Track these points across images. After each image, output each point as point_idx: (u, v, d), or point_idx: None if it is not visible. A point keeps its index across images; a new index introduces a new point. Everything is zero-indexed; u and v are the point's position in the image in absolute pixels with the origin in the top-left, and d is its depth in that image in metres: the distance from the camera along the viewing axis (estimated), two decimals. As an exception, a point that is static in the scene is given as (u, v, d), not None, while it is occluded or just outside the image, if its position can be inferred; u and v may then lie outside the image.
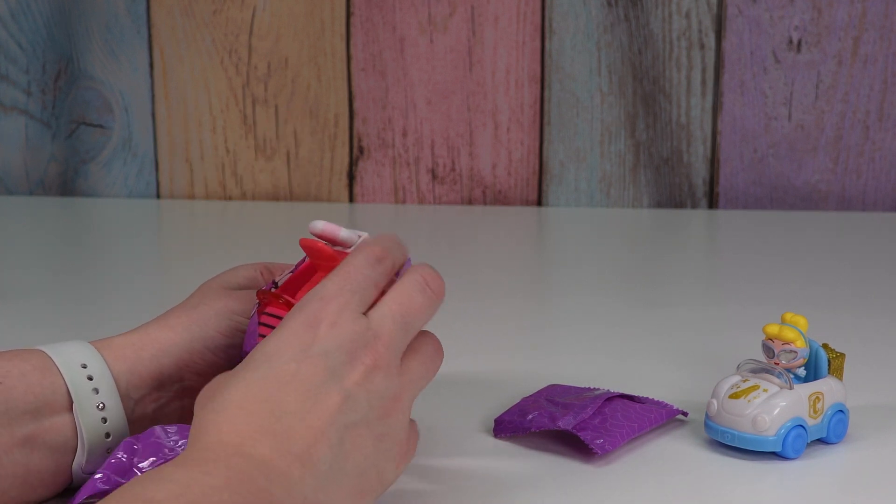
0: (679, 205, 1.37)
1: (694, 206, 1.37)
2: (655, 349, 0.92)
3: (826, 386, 0.74)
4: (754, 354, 0.79)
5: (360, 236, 0.67)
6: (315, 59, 1.36)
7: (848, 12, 1.32)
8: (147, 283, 1.11)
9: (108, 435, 0.66)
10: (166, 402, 0.69)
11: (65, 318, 1.00)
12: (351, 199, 1.39)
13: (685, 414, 0.78)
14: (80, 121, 1.39)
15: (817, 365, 0.74)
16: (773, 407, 0.71)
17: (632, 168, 1.37)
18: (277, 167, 1.39)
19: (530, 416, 0.74)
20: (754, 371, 0.74)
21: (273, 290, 0.67)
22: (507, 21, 1.34)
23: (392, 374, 0.62)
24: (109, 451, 0.66)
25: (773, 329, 0.73)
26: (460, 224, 1.31)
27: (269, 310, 0.67)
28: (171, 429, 0.65)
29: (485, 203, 1.38)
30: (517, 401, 0.78)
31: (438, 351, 0.66)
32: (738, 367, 0.75)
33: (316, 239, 0.67)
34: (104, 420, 0.66)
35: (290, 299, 0.66)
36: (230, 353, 0.71)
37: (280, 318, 0.65)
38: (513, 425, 0.75)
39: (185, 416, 0.69)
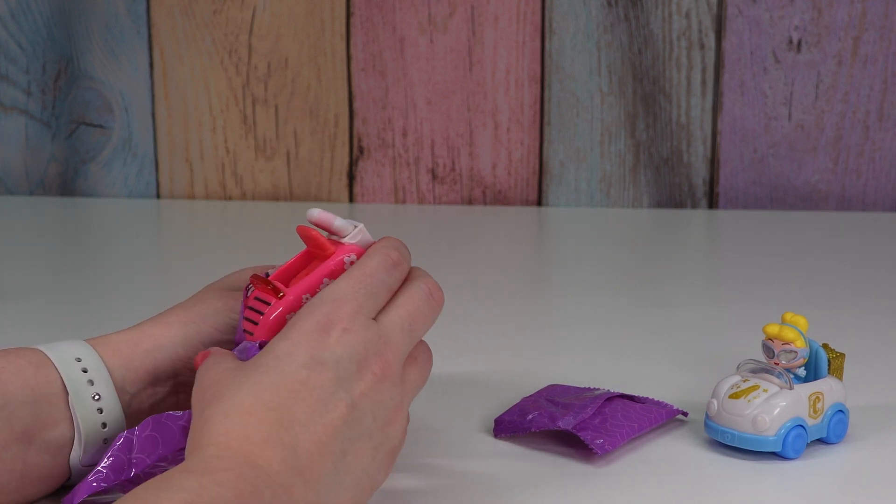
0: (679, 205, 1.37)
1: (694, 206, 1.37)
2: (655, 349, 0.92)
3: (826, 386, 0.74)
4: (754, 354, 0.79)
5: (355, 226, 0.67)
6: (315, 59, 1.36)
7: (848, 12, 1.32)
8: (147, 283, 1.11)
9: (104, 426, 0.66)
10: (163, 398, 0.69)
11: (65, 318, 1.00)
12: (351, 199, 1.39)
13: (685, 414, 0.78)
14: (80, 121, 1.39)
15: (817, 365, 0.74)
16: (773, 407, 0.71)
17: (632, 168, 1.37)
18: (277, 167, 1.39)
19: (530, 416, 0.74)
20: (754, 371, 0.74)
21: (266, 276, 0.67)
22: (507, 21, 1.34)
23: (396, 384, 0.62)
24: (107, 441, 0.66)
25: (773, 329, 0.73)
26: (460, 224, 1.31)
27: (257, 294, 0.66)
28: (176, 414, 0.65)
29: (485, 203, 1.38)
30: (517, 401, 0.78)
31: (430, 358, 0.66)
32: (738, 367, 0.75)
33: (311, 227, 0.67)
34: (100, 411, 0.66)
35: (279, 286, 0.66)
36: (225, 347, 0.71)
37: (267, 303, 0.65)
38: (513, 425, 0.75)
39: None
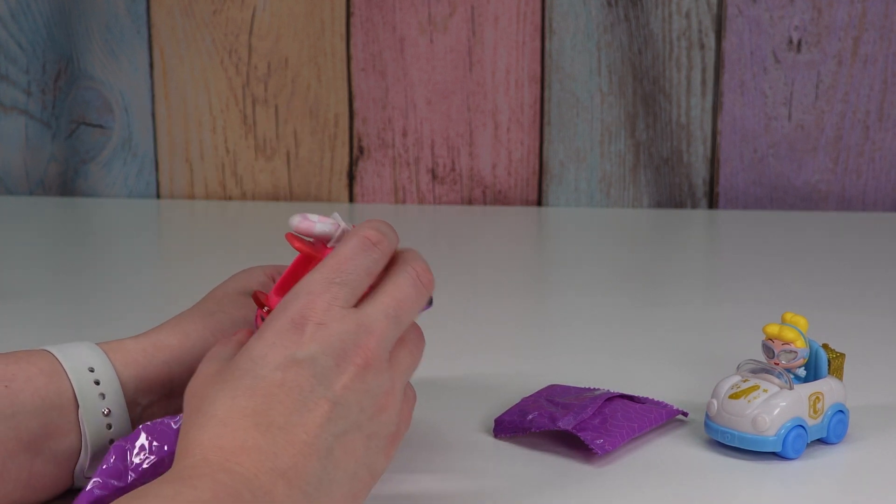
0: (679, 205, 1.37)
1: (694, 206, 1.37)
2: (655, 349, 0.92)
3: (826, 386, 0.74)
4: (754, 354, 0.79)
5: (339, 227, 0.64)
6: (315, 59, 1.36)
7: (848, 12, 1.32)
8: (147, 283, 1.11)
9: (111, 441, 0.65)
10: (176, 410, 0.68)
11: (65, 318, 1.00)
12: (351, 199, 1.39)
13: (685, 414, 0.78)
14: (80, 121, 1.39)
15: (817, 365, 0.74)
16: (773, 407, 0.71)
17: (632, 168, 1.37)
18: (277, 167, 1.39)
19: (530, 417, 0.74)
20: (754, 371, 0.74)
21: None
22: (507, 21, 1.34)
23: (383, 370, 0.60)
24: None
25: (773, 329, 0.73)
26: (460, 224, 1.31)
27: (261, 314, 0.65)
28: (173, 419, 0.65)
29: (485, 203, 1.38)
30: (517, 401, 0.78)
31: (421, 336, 0.64)
32: (738, 368, 0.75)
33: (296, 237, 0.65)
34: (109, 426, 0.65)
35: (266, 300, 0.65)
36: None
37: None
38: (513, 425, 0.75)
39: None
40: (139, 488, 0.54)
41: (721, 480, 0.70)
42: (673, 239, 1.28)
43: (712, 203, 1.37)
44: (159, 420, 0.64)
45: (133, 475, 0.63)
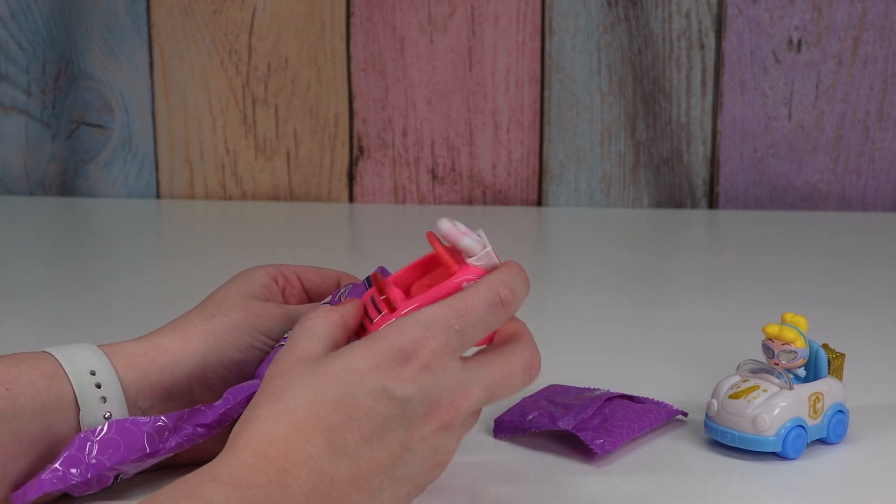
0: (679, 205, 1.37)
1: (694, 206, 1.37)
2: (655, 349, 0.92)
3: (826, 386, 0.74)
4: (754, 354, 0.79)
5: (484, 247, 0.63)
6: (315, 59, 1.36)
7: (848, 12, 1.32)
8: (147, 283, 1.11)
9: None
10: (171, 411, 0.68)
11: (65, 318, 1.00)
12: (351, 199, 1.39)
13: (685, 414, 0.78)
14: (80, 121, 1.39)
15: (817, 365, 0.74)
16: (773, 407, 0.71)
17: (632, 168, 1.37)
18: (277, 167, 1.39)
19: (530, 417, 0.74)
20: (754, 371, 0.74)
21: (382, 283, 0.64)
22: (507, 21, 1.34)
23: (456, 432, 0.61)
24: None
25: (773, 329, 0.73)
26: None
27: (373, 294, 0.64)
28: (142, 420, 0.64)
29: (485, 203, 1.38)
30: (517, 401, 0.78)
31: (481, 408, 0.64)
32: (738, 368, 0.75)
33: (439, 239, 0.63)
34: None
35: (394, 297, 0.63)
36: (244, 369, 0.69)
37: (379, 310, 0.63)
38: (513, 425, 0.75)
39: None
40: (191, 479, 0.54)
41: (721, 480, 0.70)
42: (673, 239, 1.28)
43: (712, 203, 1.37)
44: (132, 419, 0.64)
45: (91, 472, 0.63)
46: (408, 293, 0.65)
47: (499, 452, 0.74)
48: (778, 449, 0.72)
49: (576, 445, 0.73)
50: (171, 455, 0.66)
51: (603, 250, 1.23)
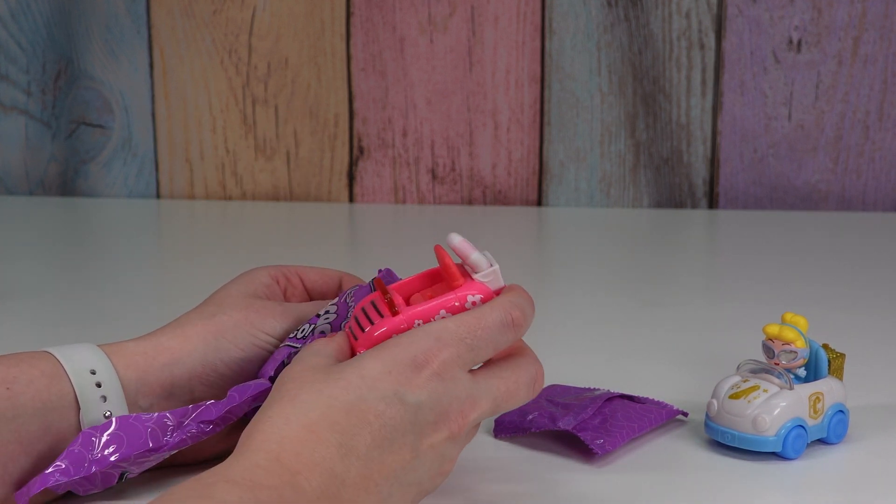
0: (679, 205, 1.37)
1: (694, 206, 1.37)
2: (655, 349, 0.92)
3: (826, 386, 0.74)
4: (754, 354, 0.79)
5: (491, 265, 0.64)
6: (315, 59, 1.36)
7: (848, 12, 1.32)
8: (147, 283, 1.11)
9: None
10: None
11: (65, 318, 1.00)
12: (351, 199, 1.39)
13: (685, 414, 0.78)
14: (80, 121, 1.39)
15: (817, 365, 0.74)
16: (774, 407, 0.71)
17: (632, 168, 1.37)
18: (277, 167, 1.39)
19: (530, 417, 0.74)
20: (754, 371, 0.74)
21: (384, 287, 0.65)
22: (507, 21, 1.34)
23: (460, 442, 0.62)
24: None
25: (774, 329, 0.73)
26: (460, 224, 1.31)
27: (374, 300, 0.64)
28: (145, 416, 0.64)
29: (485, 203, 1.38)
30: (517, 401, 0.78)
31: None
32: (738, 368, 0.75)
33: (447, 252, 0.64)
34: None
35: (397, 301, 0.63)
36: (245, 368, 0.69)
37: (380, 314, 0.63)
38: (513, 425, 0.75)
39: None
40: (205, 479, 0.54)
41: (721, 480, 0.70)
42: (673, 239, 1.28)
43: (712, 203, 1.37)
44: (136, 415, 0.64)
45: (95, 467, 0.63)
46: (407, 303, 0.65)
47: (499, 452, 0.74)
48: (778, 449, 0.72)
49: (576, 445, 0.73)
50: (174, 451, 0.66)
51: (603, 250, 1.23)
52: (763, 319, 0.80)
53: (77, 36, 1.37)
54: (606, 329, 0.97)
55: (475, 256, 0.64)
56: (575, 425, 0.73)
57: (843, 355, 0.76)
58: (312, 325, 0.69)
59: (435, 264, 0.67)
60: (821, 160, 1.35)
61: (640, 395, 0.79)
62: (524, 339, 0.65)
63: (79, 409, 0.64)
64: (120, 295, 1.06)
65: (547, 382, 0.82)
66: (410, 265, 1.17)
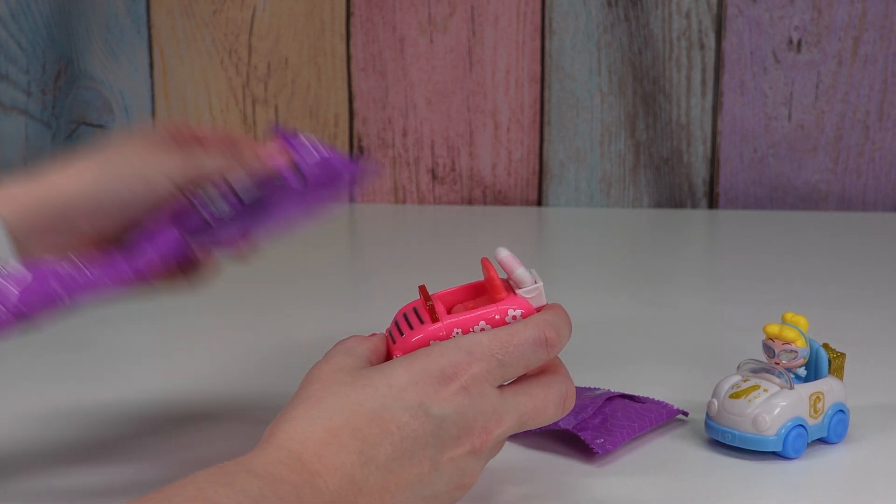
0: (679, 205, 1.37)
1: (694, 206, 1.37)
2: (655, 349, 0.92)
3: (826, 386, 0.74)
4: (754, 354, 0.79)
5: (535, 282, 0.64)
6: (315, 59, 1.36)
7: (848, 12, 1.32)
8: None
9: None
10: (62, 249, 0.66)
11: (64, 318, 1.00)
12: (351, 199, 1.39)
13: (685, 414, 0.78)
14: (80, 121, 1.39)
15: (818, 365, 0.74)
16: (774, 407, 0.71)
17: (632, 168, 1.37)
18: (277, 167, 1.39)
19: (530, 416, 0.74)
20: (755, 371, 0.74)
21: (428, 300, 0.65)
22: (507, 21, 1.34)
23: (484, 457, 0.61)
24: None
25: (774, 329, 0.73)
26: (460, 224, 1.31)
27: (415, 306, 0.64)
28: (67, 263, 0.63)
29: (485, 203, 1.38)
30: (517, 401, 0.78)
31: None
32: (738, 367, 0.75)
33: (492, 265, 0.65)
34: None
35: (438, 309, 0.63)
36: (133, 208, 0.66)
37: (421, 320, 0.63)
38: (513, 425, 0.75)
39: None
40: (227, 468, 0.54)
41: (721, 480, 0.70)
42: (673, 239, 1.28)
43: (712, 203, 1.37)
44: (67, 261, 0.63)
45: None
46: (449, 313, 0.65)
47: (499, 452, 0.74)
48: (778, 448, 0.72)
49: (576, 445, 0.73)
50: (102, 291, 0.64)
51: (603, 250, 1.23)
52: (763, 319, 0.80)
53: (77, 36, 1.37)
54: (606, 329, 0.97)
55: (520, 272, 0.64)
56: (575, 425, 0.73)
57: (843, 355, 0.76)
58: (229, 205, 0.67)
59: (463, 276, 0.67)
60: (821, 160, 1.35)
61: (641, 395, 0.79)
62: (560, 355, 0.65)
63: None
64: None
65: (547, 382, 0.82)
66: (411, 265, 1.17)
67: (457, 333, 0.63)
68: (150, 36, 1.37)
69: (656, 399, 0.79)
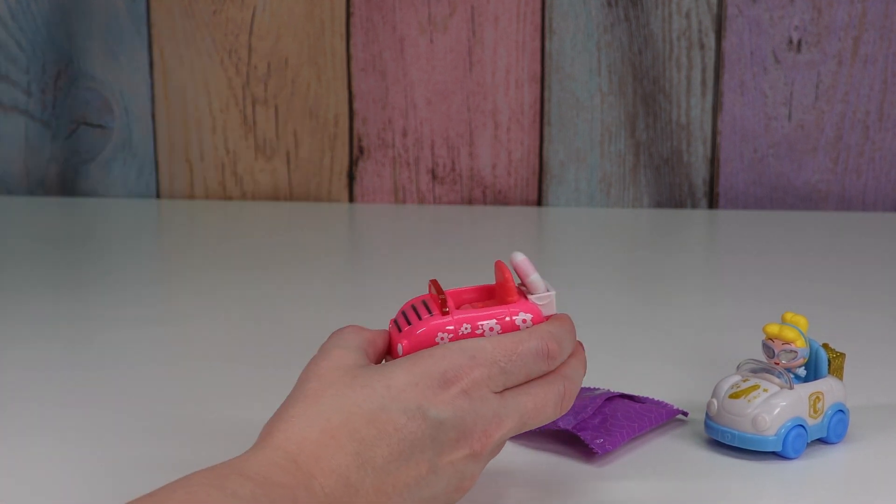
0: (679, 205, 1.37)
1: (694, 206, 1.37)
2: (655, 349, 0.92)
3: (826, 386, 0.74)
4: (754, 354, 0.79)
5: (548, 290, 0.65)
6: (315, 59, 1.36)
7: (848, 12, 1.32)
8: (147, 284, 1.11)
9: None
10: None
11: (65, 318, 1.00)
12: (351, 199, 1.39)
13: (685, 414, 0.78)
14: (80, 121, 1.39)
15: (817, 365, 0.74)
16: (774, 407, 0.71)
17: (632, 168, 1.37)
18: (277, 167, 1.39)
19: (530, 416, 0.74)
20: (754, 371, 0.74)
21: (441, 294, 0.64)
22: (507, 21, 1.34)
23: (484, 459, 0.61)
24: None
25: (774, 329, 0.73)
26: (460, 224, 1.31)
27: (424, 299, 0.64)
28: None
29: (485, 203, 1.38)
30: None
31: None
32: (738, 367, 0.75)
33: (507, 268, 0.65)
34: None
35: (448, 303, 0.63)
36: None
37: (430, 312, 0.63)
38: (513, 425, 0.75)
39: None
40: (220, 470, 0.54)
41: (721, 480, 0.70)
42: (673, 239, 1.28)
43: (712, 203, 1.37)
44: None
45: None
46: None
47: (499, 452, 0.74)
48: (778, 448, 0.72)
49: (576, 445, 0.73)
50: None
51: (603, 250, 1.23)
52: (763, 319, 0.80)
53: (77, 36, 1.37)
54: (606, 329, 0.97)
55: (534, 277, 0.65)
56: (575, 425, 0.73)
57: (843, 355, 0.76)
58: None
59: (477, 279, 0.67)
60: (821, 160, 1.35)
61: (640, 395, 0.79)
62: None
63: None
64: (120, 295, 1.06)
65: (547, 382, 0.82)
66: (411, 265, 1.17)
67: (465, 329, 0.63)
68: (150, 36, 1.37)
69: (656, 399, 0.79)
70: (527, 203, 1.38)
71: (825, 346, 0.76)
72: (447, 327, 0.63)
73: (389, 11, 1.35)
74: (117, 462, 0.73)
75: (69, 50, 1.37)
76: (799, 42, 1.33)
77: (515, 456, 0.73)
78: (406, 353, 0.63)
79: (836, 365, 0.76)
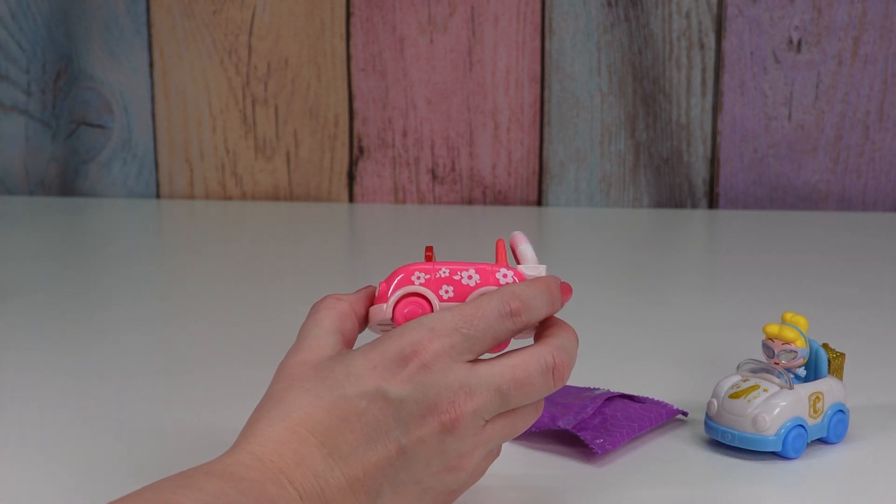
0: (679, 205, 1.37)
1: (694, 206, 1.37)
2: (655, 349, 0.92)
3: (826, 386, 0.74)
4: (754, 354, 0.79)
5: (538, 263, 0.63)
6: (315, 59, 1.36)
7: (848, 12, 1.32)
8: (147, 283, 1.11)
9: None
10: None
11: (65, 317, 1.00)
12: (351, 199, 1.39)
13: (685, 414, 0.78)
14: (80, 121, 1.39)
15: (817, 365, 0.74)
16: (774, 407, 0.71)
17: (632, 168, 1.37)
18: (277, 167, 1.39)
19: (530, 416, 0.74)
20: (754, 371, 0.74)
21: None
22: (507, 21, 1.34)
23: (467, 436, 0.58)
24: None
25: (774, 329, 0.73)
26: (460, 224, 1.31)
27: (430, 270, 0.63)
28: None
29: (485, 203, 1.38)
30: (517, 401, 0.78)
31: (537, 412, 0.61)
32: (738, 367, 0.75)
33: (505, 246, 0.64)
34: None
35: (432, 253, 0.62)
36: None
37: (409, 278, 0.62)
38: (513, 425, 0.75)
39: None
40: (186, 473, 0.54)
41: (721, 480, 0.70)
42: (673, 239, 1.28)
43: (712, 203, 1.37)
44: None
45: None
46: None
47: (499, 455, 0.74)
48: (778, 448, 0.72)
49: (576, 445, 0.73)
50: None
51: (603, 250, 1.23)
52: (763, 319, 0.80)
53: (77, 36, 1.37)
54: (606, 329, 0.97)
55: (524, 247, 0.64)
56: (575, 425, 0.73)
57: (843, 355, 0.76)
58: None
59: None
60: (821, 160, 1.35)
61: (640, 395, 0.79)
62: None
63: None
64: (120, 295, 1.06)
65: (547, 382, 0.82)
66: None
67: (443, 272, 0.61)
68: (150, 36, 1.37)
69: (656, 399, 0.79)
70: (527, 203, 1.38)
71: (825, 346, 0.76)
72: (424, 267, 0.62)
73: (389, 11, 1.35)
74: (118, 462, 0.73)
75: (69, 50, 1.37)
76: (799, 42, 1.33)
77: (515, 456, 0.73)
78: (382, 293, 0.62)
79: (836, 365, 0.76)
